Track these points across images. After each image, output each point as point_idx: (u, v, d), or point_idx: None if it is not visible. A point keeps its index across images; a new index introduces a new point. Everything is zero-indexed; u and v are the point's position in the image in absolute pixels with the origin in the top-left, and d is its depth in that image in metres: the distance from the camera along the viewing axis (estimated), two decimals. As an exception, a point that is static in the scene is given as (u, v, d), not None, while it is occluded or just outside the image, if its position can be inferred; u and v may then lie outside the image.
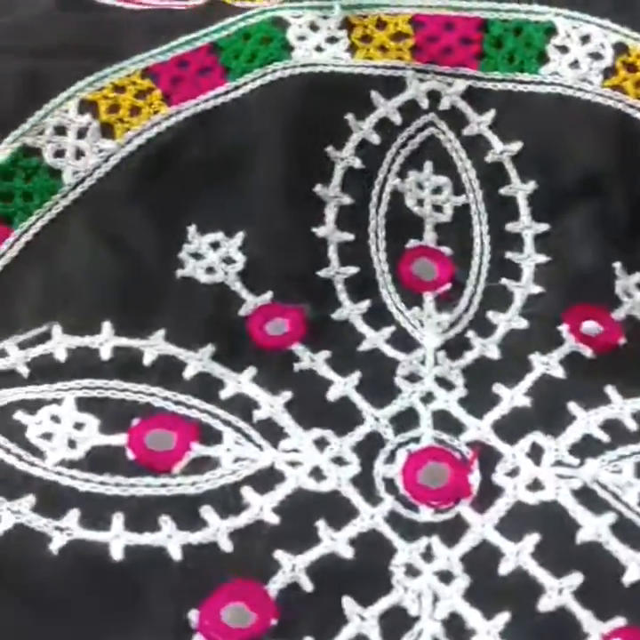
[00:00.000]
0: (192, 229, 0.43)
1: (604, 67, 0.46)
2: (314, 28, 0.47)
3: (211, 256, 0.43)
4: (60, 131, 0.44)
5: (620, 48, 0.46)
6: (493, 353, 0.40)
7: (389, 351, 0.41)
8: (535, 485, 0.37)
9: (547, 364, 0.40)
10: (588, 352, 0.40)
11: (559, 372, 0.40)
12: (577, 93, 0.45)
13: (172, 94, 0.45)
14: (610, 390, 0.39)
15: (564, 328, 0.41)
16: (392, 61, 0.46)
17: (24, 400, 0.38)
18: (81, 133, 0.44)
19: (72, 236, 0.43)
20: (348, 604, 0.34)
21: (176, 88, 0.46)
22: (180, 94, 0.45)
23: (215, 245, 0.43)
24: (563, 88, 0.46)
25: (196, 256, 0.43)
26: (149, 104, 0.45)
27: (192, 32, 0.47)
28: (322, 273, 0.42)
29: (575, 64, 0.46)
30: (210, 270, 0.42)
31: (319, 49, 0.46)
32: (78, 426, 0.38)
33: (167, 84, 0.46)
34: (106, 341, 0.40)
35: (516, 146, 0.45)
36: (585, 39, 0.46)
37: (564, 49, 0.46)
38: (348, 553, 0.35)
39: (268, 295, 0.42)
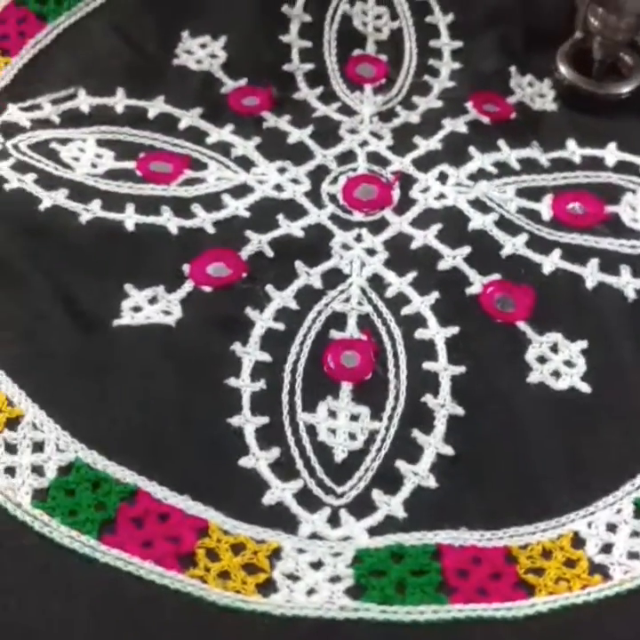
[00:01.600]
0: (185, 33, 0.56)
1: None
2: None
3: (199, 52, 0.55)
4: None
5: None
6: (415, 119, 0.53)
7: (336, 116, 0.53)
8: (440, 196, 0.50)
9: (453, 124, 0.53)
10: (485, 120, 0.53)
11: (463, 129, 0.53)
12: None
13: None
14: (501, 143, 0.52)
15: (468, 104, 0.54)
16: None
17: (57, 137, 0.51)
18: None
19: (95, 30, 0.55)
20: (299, 265, 0.47)
21: None
22: None
23: (203, 45, 0.55)
24: None
25: (188, 52, 0.55)
26: None
27: None
28: (285, 67, 0.55)
29: None
30: (199, 62, 0.55)
31: None
32: (98, 156, 0.50)
33: None
34: (120, 101, 0.52)
35: None
36: None
37: None
38: (300, 234, 0.48)
39: (244, 80, 0.54)
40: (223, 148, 0.51)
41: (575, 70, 0.55)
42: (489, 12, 0.58)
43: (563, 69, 0.55)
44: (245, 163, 0.51)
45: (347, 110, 0.54)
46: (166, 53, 0.55)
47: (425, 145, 0.52)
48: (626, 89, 0.55)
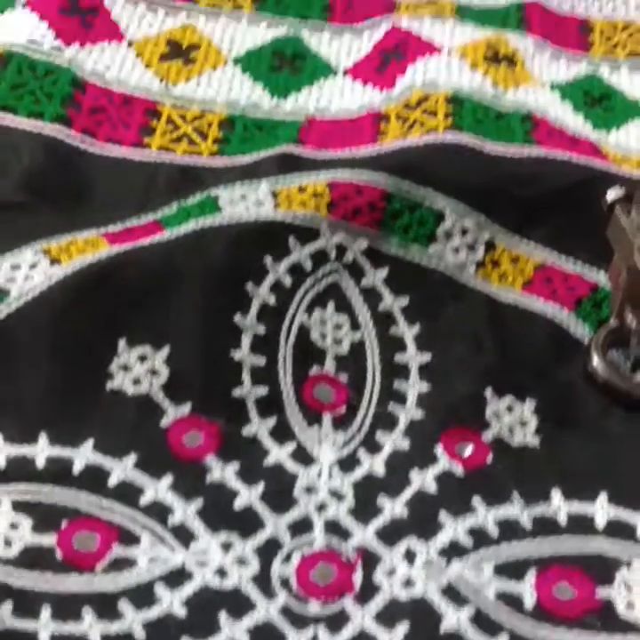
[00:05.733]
0: (122, 343, 0.49)
1: (476, 259, 0.54)
2: (243, 197, 0.54)
3: (137, 368, 0.48)
4: (15, 267, 0.51)
5: (489, 245, 0.55)
6: (379, 469, 0.47)
7: (290, 465, 0.47)
8: (407, 583, 0.43)
9: (422, 478, 0.46)
10: (458, 469, 0.47)
11: (432, 487, 0.46)
12: (455, 275, 0.54)
13: (116, 242, 0.52)
14: (476, 501, 0.46)
15: (439, 448, 0.47)
16: (311, 212, 0.53)
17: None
18: (32, 266, 0.51)
19: (15, 344, 0.48)
20: None
21: (121, 239, 0.52)
22: (122, 241, 0.52)
23: (142, 358, 0.49)
24: (444, 268, 0.54)
25: (125, 368, 0.48)
26: (96, 248, 0.52)
27: (141, 213, 0.55)
28: (236, 392, 0.49)
29: (456, 251, 0.54)
30: (136, 382, 0.48)
31: (247, 209, 0.53)
32: (14, 526, 0.43)
33: (114, 240, 0.53)
34: (42, 451, 0.45)
35: (403, 301, 0.52)
36: (464, 232, 0.54)
37: (448, 235, 0.54)
38: None
39: (187, 408, 0.48)
40: (159, 513, 0.45)
41: (610, 366, 0.50)
42: (460, 320, 0.52)
43: (596, 364, 0.50)
44: (184, 534, 0.44)
45: (303, 455, 0.47)
46: (99, 372, 0.48)
47: (390, 508, 0.46)
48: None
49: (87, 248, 0.52)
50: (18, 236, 0.53)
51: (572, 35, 0.71)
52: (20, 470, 0.45)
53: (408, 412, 0.49)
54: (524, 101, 0.62)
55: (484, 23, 0.69)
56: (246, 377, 0.49)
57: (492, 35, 0.67)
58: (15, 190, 0.56)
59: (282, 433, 0.48)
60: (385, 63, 0.66)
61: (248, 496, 0.45)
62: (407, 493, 0.46)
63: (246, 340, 0.50)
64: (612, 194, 0.48)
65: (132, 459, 0.46)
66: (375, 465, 0.47)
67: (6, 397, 0.47)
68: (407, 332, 0.52)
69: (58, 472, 0.45)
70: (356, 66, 0.67)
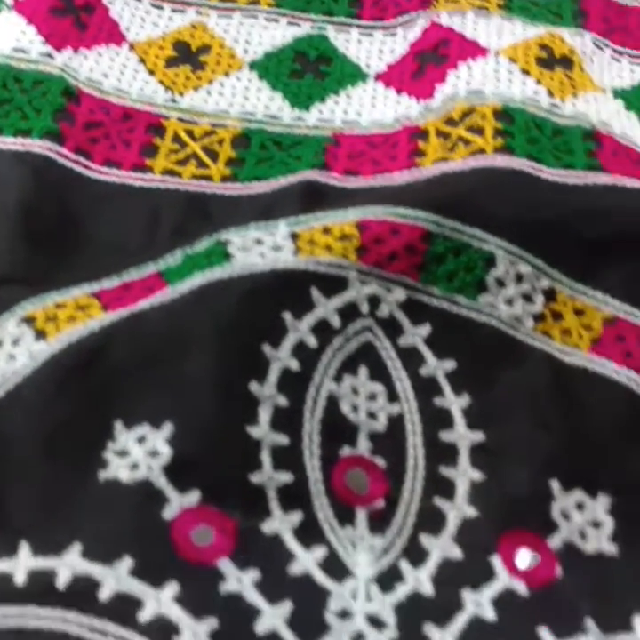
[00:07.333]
0: (118, 425, 0.41)
1: (534, 311, 0.46)
2: (258, 242, 0.46)
3: (136, 452, 0.41)
4: None
5: (549, 294, 0.46)
6: (426, 587, 0.39)
7: (320, 577, 0.39)
8: None
9: (478, 604, 0.39)
10: (521, 587, 0.39)
11: (490, 614, 0.38)
12: (510, 331, 0.45)
13: (111, 305, 0.44)
14: (543, 632, 0.38)
15: (497, 560, 0.40)
16: (337, 259, 0.45)
17: None
18: (15, 342, 0.43)
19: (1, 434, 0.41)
20: None
21: (117, 302, 0.44)
22: (119, 304, 0.44)
23: (141, 439, 0.41)
24: (497, 322, 0.45)
25: (121, 454, 0.41)
26: (87, 313, 0.44)
27: (142, 263, 0.47)
28: (254, 478, 0.41)
29: (510, 302, 0.45)
30: (133, 467, 0.40)
31: (262, 255, 0.45)
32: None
33: (108, 301, 0.45)
34: (23, 564, 0.38)
35: (449, 364, 0.44)
36: (519, 278, 0.46)
37: (501, 283, 0.46)
38: None
39: (196, 496, 0.40)
40: (162, 633, 0.37)
41: None
42: (518, 387, 0.44)
43: None
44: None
45: (334, 565, 0.40)
46: (91, 460, 0.41)
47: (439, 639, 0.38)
48: None
49: (77, 315, 0.44)
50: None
51: (639, 29, 0.62)
52: (-2, 590, 0.37)
53: (459, 510, 0.41)
54: (585, 112, 0.54)
55: (535, 17, 0.60)
56: (266, 459, 0.41)
57: (545, 32, 0.59)
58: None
59: (309, 532, 0.40)
60: (422, 67, 0.58)
61: (272, 617, 0.38)
62: (460, 621, 0.38)
63: (265, 414, 0.42)
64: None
65: (126, 564, 0.38)
66: (420, 581, 0.39)
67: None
68: (455, 403, 0.44)
69: (40, 589, 0.37)
70: (390, 70, 0.59)
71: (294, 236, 0.46)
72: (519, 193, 0.48)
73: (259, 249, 0.46)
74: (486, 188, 0.48)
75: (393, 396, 0.44)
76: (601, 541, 0.41)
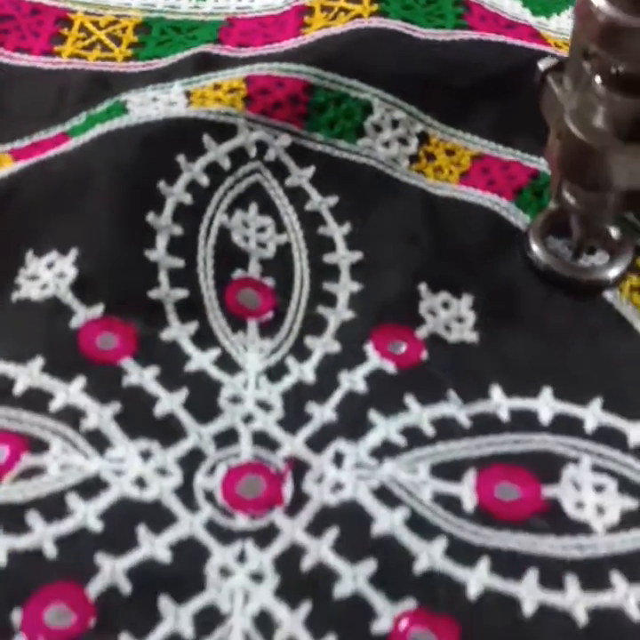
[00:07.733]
0: (29, 254, 0.45)
1: (409, 152, 0.51)
2: (154, 99, 0.50)
3: (45, 275, 0.45)
4: None
5: (423, 137, 0.51)
6: (309, 376, 0.44)
7: (214, 371, 0.43)
8: (337, 487, 0.40)
9: (352, 381, 0.43)
10: (390, 366, 0.44)
11: (362, 387, 0.43)
12: (387, 170, 0.50)
13: (21, 157, 0.49)
14: (409, 400, 0.43)
15: (369, 347, 0.44)
16: (225, 108, 0.49)
17: None
18: None
19: None
20: (164, 603, 0.37)
21: (27, 156, 0.49)
22: (27, 156, 0.48)
23: (50, 265, 0.45)
24: (375, 162, 0.50)
25: (32, 278, 0.45)
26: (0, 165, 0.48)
27: (50, 126, 0.51)
28: (152, 294, 0.45)
29: (387, 145, 0.50)
30: (43, 287, 0.45)
31: (157, 109, 0.50)
32: None
33: (18, 155, 0.49)
34: None
35: (332, 200, 0.49)
36: (395, 123, 0.51)
37: (378, 128, 0.50)
38: (165, 557, 0.38)
39: (100, 309, 0.44)
40: (71, 417, 0.41)
41: (550, 252, 0.47)
42: (394, 216, 0.49)
43: (536, 250, 0.47)
44: (99, 440, 0.41)
45: (227, 363, 0.44)
46: (5, 286, 0.45)
47: (319, 414, 0.42)
48: (614, 273, 0.47)
49: None
50: None
51: None
52: None
53: (338, 314, 0.46)
54: None
55: None
56: (163, 278, 0.46)
57: None
58: None
59: (204, 339, 0.45)
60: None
61: (169, 402, 0.42)
62: (336, 396, 0.43)
63: (162, 241, 0.46)
64: (544, 63, 0.45)
65: (38, 363, 0.42)
66: (304, 372, 0.44)
67: None
68: (337, 231, 0.48)
69: None
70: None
71: (188, 94, 0.51)
72: (393, 48, 0.53)
73: (154, 105, 0.50)
74: (363, 44, 0.53)
75: (281, 228, 0.48)
76: (463, 332, 0.45)
